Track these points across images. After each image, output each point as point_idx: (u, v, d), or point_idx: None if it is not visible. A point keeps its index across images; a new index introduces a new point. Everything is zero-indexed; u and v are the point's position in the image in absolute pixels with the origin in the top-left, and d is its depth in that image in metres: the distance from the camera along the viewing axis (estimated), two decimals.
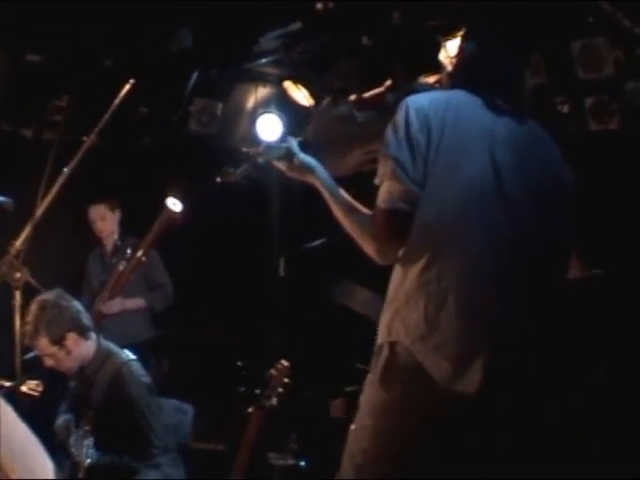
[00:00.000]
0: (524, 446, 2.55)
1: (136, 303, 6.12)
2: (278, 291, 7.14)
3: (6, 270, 3.24)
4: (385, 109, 2.89)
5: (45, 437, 3.23)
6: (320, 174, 2.81)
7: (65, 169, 3.44)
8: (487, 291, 2.50)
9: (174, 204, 5.25)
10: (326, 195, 2.78)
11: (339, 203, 2.75)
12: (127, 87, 3.52)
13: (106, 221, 6.27)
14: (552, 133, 2.79)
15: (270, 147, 2.91)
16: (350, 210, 2.73)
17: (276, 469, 4.84)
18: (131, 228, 6.27)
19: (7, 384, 3.81)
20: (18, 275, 3.26)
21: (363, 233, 2.65)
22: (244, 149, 6.67)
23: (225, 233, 7.19)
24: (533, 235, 2.58)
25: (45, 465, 2.85)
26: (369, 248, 2.64)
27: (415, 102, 2.60)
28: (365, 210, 2.70)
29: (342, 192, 2.78)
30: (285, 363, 4.12)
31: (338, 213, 2.74)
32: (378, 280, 2.82)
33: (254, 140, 6.18)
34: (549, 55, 5.57)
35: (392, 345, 2.54)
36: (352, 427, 2.66)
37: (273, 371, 4.09)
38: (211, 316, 7.07)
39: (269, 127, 6.26)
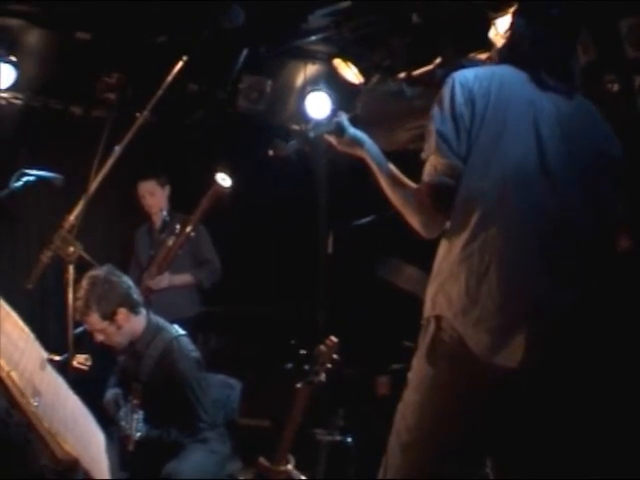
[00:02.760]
0: (566, 425, 2.57)
1: (184, 279, 6.14)
2: (326, 268, 7.16)
3: (59, 244, 3.27)
4: (434, 85, 2.90)
5: (94, 411, 3.30)
6: (369, 148, 2.85)
7: (117, 147, 3.46)
8: (529, 264, 2.51)
9: (223, 179, 5.28)
10: (375, 169, 2.81)
11: (387, 177, 2.77)
12: (180, 64, 3.52)
13: (155, 197, 6.29)
14: (601, 111, 2.78)
15: (320, 122, 2.96)
16: (397, 184, 2.75)
17: (322, 445, 4.86)
18: (179, 204, 6.31)
19: (57, 358, 3.85)
20: (71, 249, 3.28)
21: (408, 206, 2.69)
22: (294, 126, 6.73)
23: (273, 210, 7.21)
24: (577, 210, 2.58)
25: (96, 435, 2.91)
26: (414, 221, 2.68)
27: (461, 76, 2.63)
28: (412, 184, 2.73)
29: (391, 166, 2.81)
30: (334, 339, 4.13)
31: (386, 187, 2.77)
32: (426, 257, 2.83)
33: (303, 117, 6.22)
34: (599, 33, 5.51)
35: (438, 320, 2.56)
36: (400, 405, 2.69)
37: (322, 347, 4.10)
38: (259, 293, 7.11)
39: (318, 104, 6.30)
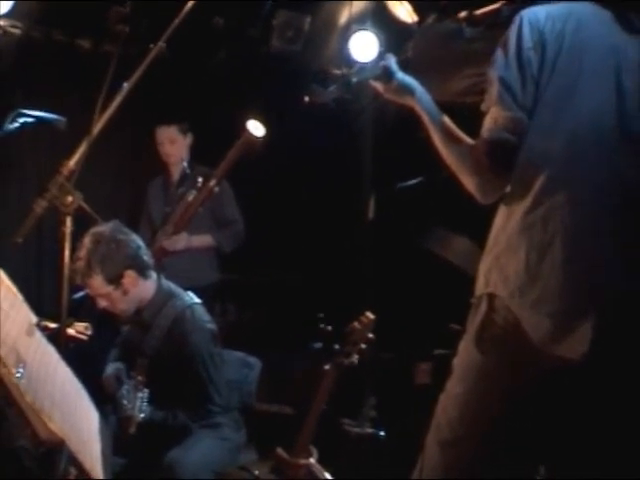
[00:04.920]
0: (630, 423, 2.52)
1: (203, 240, 6.12)
2: (365, 236, 7.11)
3: (56, 193, 3.23)
4: (498, 25, 2.84)
5: (92, 387, 3.29)
6: (420, 97, 2.81)
7: (125, 83, 3.42)
8: (599, 240, 2.46)
9: (256, 128, 5.25)
10: (426, 121, 2.78)
11: (440, 131, 2.74)
12: None
13: (176, 145, 6.25)
14: None
15: (365, 66, 2.92)
16: (452, 139, 2.72)
17: (350, 438, 4.85)
18: (199, 156, 6.28)
19: (52, 325, 3.85)
20: (70, 199, 3.25)
21: (463, 166, 2.65)
22: (335, 71, 6.66)
23: (307, 165, 7.17)
24: None
25: (89, 414, 2.90)
26: (469, 184, 2.64)
27: (531, 15, 2.58)
28: (469, 140, 2.69)
29: (445, 119, 2.77)
30: (370, 316, 4.10)
31: (438, 143, 2.74)
32: (480, 227, 2.80)
33: (345, 61, 6.14)
34: None
35: (491, 299, 2.53)
36: (442, 396, 2.67)
37: (356, 324, 4.08)
38: (286, 260, 7.09)
39: (364, 46, 6.20)
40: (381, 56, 2.93)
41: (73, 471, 2.41)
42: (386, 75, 2.84)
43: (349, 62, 6.01)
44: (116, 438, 3.91)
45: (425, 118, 2.78)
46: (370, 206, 7.02)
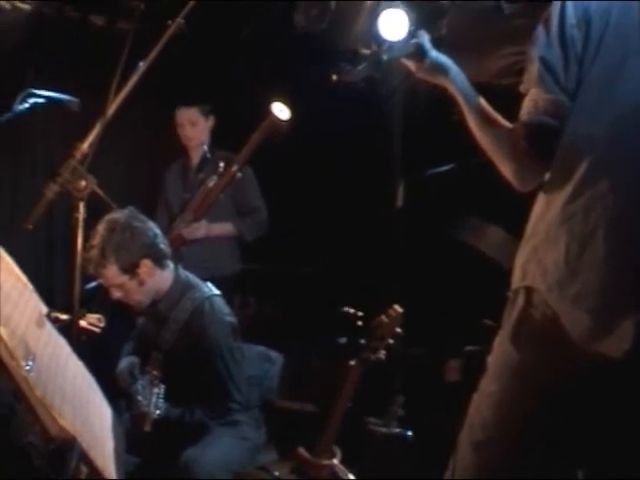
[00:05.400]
0: None
1: (224, 229, 6.12)
2: (394, 224, 7.09)
3: (69, 177, 3.23)
4: (540, 0, 2.82)
5: (105, 382, 3.29)
6: (455, 77, 2.80)
7: (141, 63, 3.42)
8: None
9: (281, 110, 5.23)
10: (460, 103, 2.77)
11: (475, 113, 2.73)
12: None
13: (197, 128, 6.23)
14: None
15: (396, 44, 2.91)
16: (488, 123, 2.70)
17: (376, 438, 4.83)
18: (219, 139, 6.27)
19: (64, 317, 3.85)
20: (83, 184, 3.24)
21: (500, 151, 2.64)
22: (363, 50, 6.62)
23: (333, 150, 7.14)
24: None
25: (101, 410, 2.90)
26: (506, 170, 2.63)
27: None
28: (506, 124, 2.67)
29: (480, 101, 2.76)
30: (398, 309, 4.09)
31: (473, 126, 2.73)
32: (516, 217, 2.78)
33: (374, 40, 6.10)
34: None
35: (528, 293, 2.51)
36: (475, 395, 2.66)
37: (383, 318, 4.07)
38: (310, 250, 7.08)
39: (394, 25, 6.17)
40: (412, 34, 2.91)
41: (84, 470, 2.41)
42: (419, 53, 2.83)
43: (378, 41, 5.98)
44: (130, 436, 3.89)
45: (459, 99, 2.77)
46: (399, 193, 7.00)
